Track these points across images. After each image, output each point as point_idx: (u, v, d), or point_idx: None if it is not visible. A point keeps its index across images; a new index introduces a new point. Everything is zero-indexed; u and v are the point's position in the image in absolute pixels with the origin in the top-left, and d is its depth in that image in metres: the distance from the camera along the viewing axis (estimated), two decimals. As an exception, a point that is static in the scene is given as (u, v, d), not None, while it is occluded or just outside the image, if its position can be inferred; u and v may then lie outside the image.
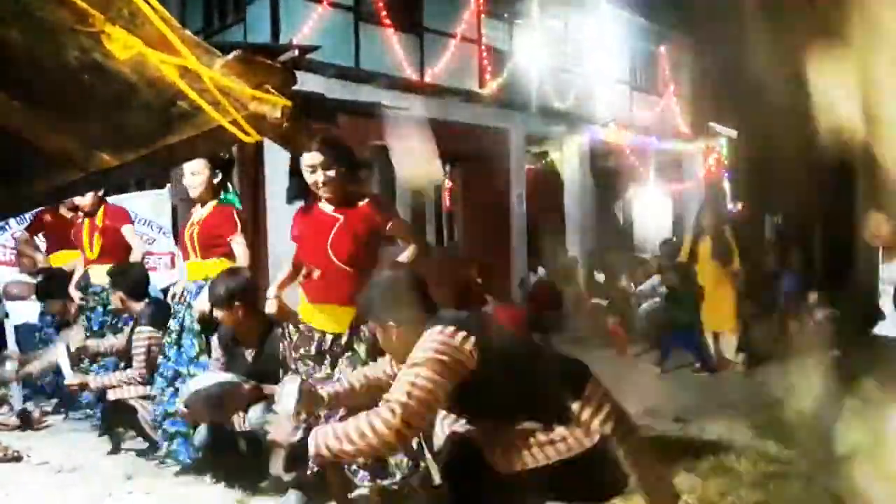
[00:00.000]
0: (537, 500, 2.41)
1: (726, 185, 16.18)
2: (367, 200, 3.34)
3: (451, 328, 2.25)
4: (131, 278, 4.72)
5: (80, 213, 5.38)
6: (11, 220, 6.48)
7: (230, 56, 1.46)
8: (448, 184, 11.49)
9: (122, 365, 4.65)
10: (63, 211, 6.03)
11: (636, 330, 8.56)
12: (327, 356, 3.26)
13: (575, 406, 2.30)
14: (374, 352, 3.06)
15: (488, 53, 11.60)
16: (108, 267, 4.99)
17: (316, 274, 3.25)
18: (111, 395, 4.41)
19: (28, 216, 6.40)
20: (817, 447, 3.93)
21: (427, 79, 10.67)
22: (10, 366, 5.24)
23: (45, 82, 1.64)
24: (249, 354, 3.72)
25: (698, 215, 7.39)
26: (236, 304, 3.60)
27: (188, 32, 1.45)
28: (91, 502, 3.60)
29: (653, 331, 7.87)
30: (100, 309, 5.15)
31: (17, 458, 4.39)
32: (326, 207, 3.33)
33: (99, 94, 1.60)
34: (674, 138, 15.51)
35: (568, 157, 13.55)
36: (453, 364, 2.19)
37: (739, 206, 6.44)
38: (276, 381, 3.24)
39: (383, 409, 2.14)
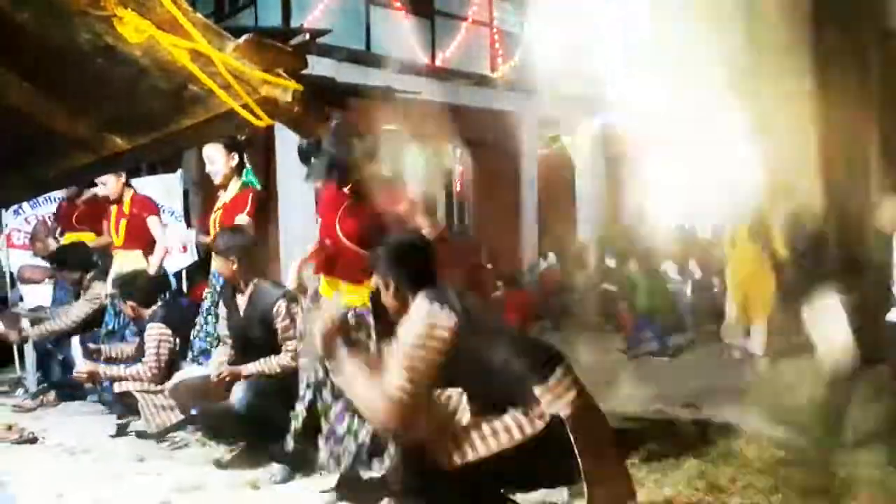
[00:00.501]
0: (491, 489, 2.46)
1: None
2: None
3: (444, 309, 2.38)
4: (139, 287, 4.76)
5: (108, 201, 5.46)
6: (24, 205, 6.52)
7: (241, 40, 1.45)
8: (459, 168, 11.45)
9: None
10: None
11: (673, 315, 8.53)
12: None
13: (538, 390, 2.34)
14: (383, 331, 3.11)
15: (500, 36, 11.52)
16: (133, 254, 5.07)
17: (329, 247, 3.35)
18: (116, 388, 4.48)
19: (41, 200, 6.46)
20: (829, 434, 3.93)
21: (438, 62, 10.62)
22: (25, 323, 5.30)
23: (57, 66, 1.64)
24: (242, 306, 3.91)
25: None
26: (232, 257, 3.81)
27: (199, 16, 1.45)
28: (103, 483, 3.64)
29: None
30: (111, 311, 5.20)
31: (33, 440, 4.44)
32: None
33: (111, 77, 1.60)
34: (689, 124, 15.38)
35: (580, 142, 13.46)
36: (440, 344, 2.33)
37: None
38: (264, 338, 3.72)
39: (387, 389, 2.27)
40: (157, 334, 4.44)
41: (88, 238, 5.77)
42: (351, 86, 3.71)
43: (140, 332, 4.75)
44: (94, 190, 5.80)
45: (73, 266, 5.50)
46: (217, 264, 3.95)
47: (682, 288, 8.88)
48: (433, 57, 10.61)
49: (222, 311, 4.03)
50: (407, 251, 2.61)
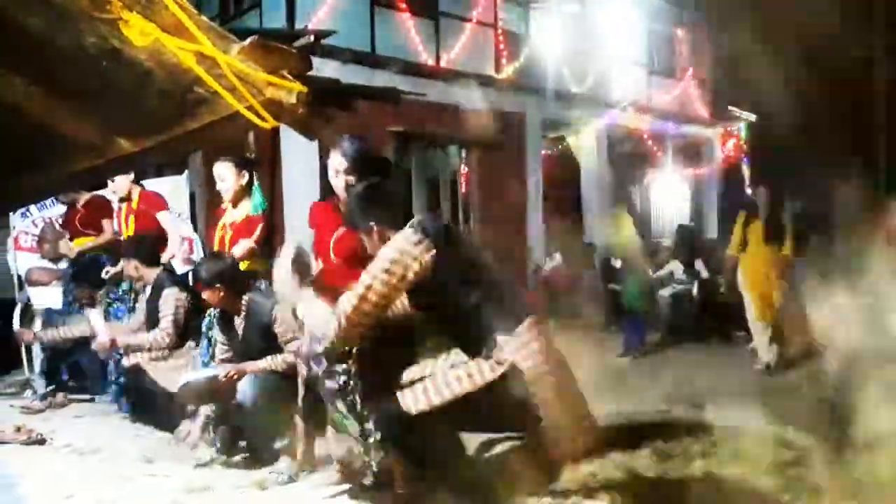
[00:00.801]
0: (448, 433, 2.57)
1: (745, 170, 16.00)
2: None
3: (418, 235, 2.46)
4: (145, 245, 4.90)
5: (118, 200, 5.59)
6: (32, 207, 6.55)
7: (246, 42, 1.46)
8: (464, 169, 11.46)
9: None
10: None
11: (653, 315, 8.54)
12: None
13: (502, 338, 2.42)
14: None
15: (505, 37, 11.51)
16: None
17: (319, 266, 3.37)
18: (126, 361, 4.56)
19: (48, 203, 6.50)
20: (839, 434, 3.91)
21: (443, 63, 10.62)
22: (38, 325, 5.36)
23: (63, 69, 1.65)
24: (240, 327, 3.95)
25: (751, 195, 7.04)
26: (218, 285, 3.84)
27: (204, 18, 1.45)
28: (111, 484, 3.65)
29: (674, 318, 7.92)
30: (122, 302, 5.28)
31: (41, 441, 4.47)
32: (341, 205, 3.39)
33: (117, 80, 1.61)
34: (692, 122, 15.35)
35: (585, 142, 13.46)
36: (404, 270, 2.43)
37: (761, 190, 6.21)
38: (266, 345, 3.79)
39: (342, 301, 2.47)
40: (174, 298, 4.55)
41: (91, 240, 5.84)
42: (356, 87, 3.73)
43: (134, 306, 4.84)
44: (93, 192, 5.88)
45: (85, 284, 5.60)
46: (205, 295, 3.93)
47: (688, 288, 8.86)
48: (438, 58, 10.62)
49: (220, 336, 4.05)
50: (377, 193, 2.68)
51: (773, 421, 4.42)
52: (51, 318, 6.01)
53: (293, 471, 3.58)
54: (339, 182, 3.45)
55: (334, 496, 3.35)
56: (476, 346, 2.47)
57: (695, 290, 8.83)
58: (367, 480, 3.15)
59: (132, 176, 5.49)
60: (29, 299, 6.41)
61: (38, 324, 5.89)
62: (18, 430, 4.55)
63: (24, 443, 4.41)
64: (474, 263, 2.64)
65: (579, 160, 13.59)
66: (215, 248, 4.42)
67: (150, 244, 4.90)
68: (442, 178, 11.35)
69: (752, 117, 15.97)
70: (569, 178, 13.44)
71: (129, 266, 4.94)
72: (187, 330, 4.49)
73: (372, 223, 2.65)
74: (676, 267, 9.10)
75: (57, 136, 1.86)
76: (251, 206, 4.39)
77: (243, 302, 3.89)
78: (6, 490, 3.60)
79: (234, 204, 4.40)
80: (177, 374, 4.31)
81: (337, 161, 3.45)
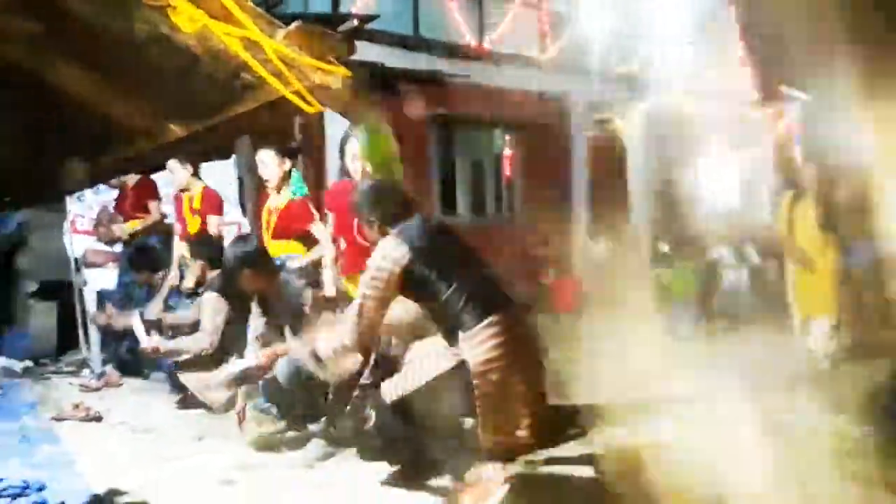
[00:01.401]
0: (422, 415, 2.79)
1: (797, 151, 15.55)
2: None
3: (398, 242, 2.78)
4: (212, 248, 5.06)
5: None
6: (87, 191, 6.73)
7: (292, 27, 1.47)
8: (508, 152, 11.38)
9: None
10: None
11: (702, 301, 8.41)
12: None
13: (460, 334, 2.65)
14: None
15: (549, 18, 11.36)
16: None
17: (342, 245, 3.44)
18: (174, 360, 4.70)
19: (102, 187, 6.68)
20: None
21: (487, 45, 10.54)
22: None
23: (116, 56, 1.69)
24: (274, 307, 4.08)
25: (796, 173, 6.10)
26: (245, 269, 3.96)
27: (250, 4, 1.47)
28: (161, 461, 3.75)
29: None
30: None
31: (98, 419, 4.62)
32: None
33: (166, 66, 1.65)
34: (742, 103, 14.96)
35: (631, 123, 13.24)
36: (389, 275, 2.75)
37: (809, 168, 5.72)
38: (294, 327, 3.85)
39: (350, 309, 2.90)
40: (213, 304, 4.62)
41: (142, 222, 6.03)
42: (399, 70, 3.75)
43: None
44: (140, 175, 6.04)
45: (141, 267, 5.80)
46: (242, 283, 4.05)
47: (738, 274, 8.69)
48: (481, 40, 10.53)
49: (256, 314, 4.19)
50: (381, 193, 2.98)
51: (829, 410, 4.33)
52: (105, 299, 6.22)
53: (325, 448, 3.68)
54: (356, 166, 3.72)
55: (380, 474, 3.41)
56: (451, 337, 2.74)
57: (745, 276, 8.66)
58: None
59: (190, 169, 5.64)
60: (85, 281, 6.61)
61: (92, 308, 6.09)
62: (76, 407, 4.72)
63: (82, 420, 4.57)
64: (452, 261, 2.85)
65: (625, 142, 13.38)
66: (262, 227, 4.67)
67: (215, 247, 5.08)
68: (485, 161, 11.30)
69: (805, 95, 15.48)
70: (614, 159, 13.24)
71: (197, 266, 5.16)
72: (228, 332, 4.61)
73: (374, 218, 2.96)
74: (725, 252, 8.93)
75: (111, 123, 1.91)
76: (291, 193, 4.67)
77: (278, 282, 3.98)
78: (65, 465, 3.73)
79: (277, 190, 4.67)
80: (215, 394, 4.60)
81: (356, 146, 3.69)
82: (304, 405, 3.83)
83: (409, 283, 2.78)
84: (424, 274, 2.75)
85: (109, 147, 2.02)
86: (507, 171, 11.40)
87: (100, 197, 6.85)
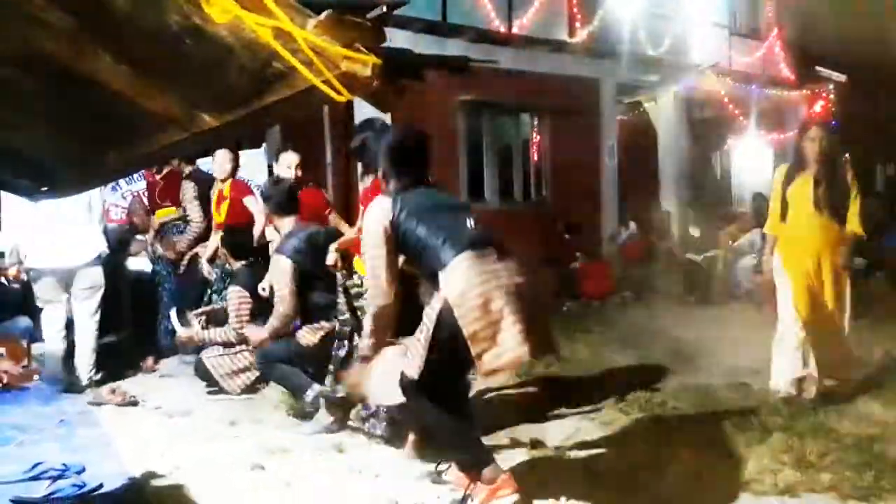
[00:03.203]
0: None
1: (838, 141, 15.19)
2: None
3: (387, 200, 2.93)
4: (235, 237, 5.16)
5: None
6: (121, 181, 6.83)
7: (322, 16, 1.47)
8: (536, 137, 11.31)
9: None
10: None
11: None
12: None
13: (451, 262, 2.74)
14: None
15: (579, 0, 11.22)
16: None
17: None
18: (205, 355, 4.92)
19: (136, 177, 6.78)
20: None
21: (515, 30, 10.46)
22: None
23: (149, 47, 1.71)
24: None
25: (799, 145, 4.52)
26: (267, 205, 4.58)
27: (281, -7, 1.47)
28: (195, 445, 3.84)
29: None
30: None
31: (134, 403, 4.72)
32: None
33: (199, 57, 1.66)
34: (776, 85, 14.65)
35: (662, 107, 13.06)
36: (378, 226, 2.91)
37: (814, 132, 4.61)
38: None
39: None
40: (236, 296, 4.79)
41: (171, 212, 6.09)
42: (427, 57, 3.73)
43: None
44: (169, 166, 6.12)
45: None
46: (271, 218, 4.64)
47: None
48: (510, 24, 10.45)
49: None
50: (397, 149, 3.10)
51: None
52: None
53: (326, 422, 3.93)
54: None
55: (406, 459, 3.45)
56: (434, 281, 2.82)
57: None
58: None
59: (232, 159, 5.81)
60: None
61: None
62: (113, 392, 4.83)
63: (118, 404, 4.68)
64: (435, 214, 2.94)
65: (656, 126, 13.21)
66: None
67: (238, 239, 5.16)
68: (514, 146, 11.24)
69: (842, 77, 15.13)
70: (645, 144, 13.09)
71: (220, 252, 5.35)
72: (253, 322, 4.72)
73: (388, 171, 3.09)
74: (756, 237, 8.79)
75: (144, 113, 1.93)
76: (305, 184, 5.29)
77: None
78: (103, 448, 3.83)
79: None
80: (240, 378, 4.86)
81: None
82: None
83: (398, 238, 2.89)
84: (410, 227, 2.86)
85: (142, 137, 2.05)
86: (534, 156, 11.33)
87: (133, 186, 6.96)
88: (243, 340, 4.71)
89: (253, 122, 1.97)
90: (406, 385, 2.83)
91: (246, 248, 5.12)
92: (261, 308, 4.68)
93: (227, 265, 5.29)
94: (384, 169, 3.10)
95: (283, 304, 4.22)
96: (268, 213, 4.86)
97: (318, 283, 4.28)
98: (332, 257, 3.89)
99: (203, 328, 5.00)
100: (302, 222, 4.48)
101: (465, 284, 2.70)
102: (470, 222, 2.92)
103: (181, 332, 5.04)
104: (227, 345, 4.85)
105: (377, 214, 2.94)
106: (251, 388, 4.87)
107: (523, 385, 4.86)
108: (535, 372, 4.96)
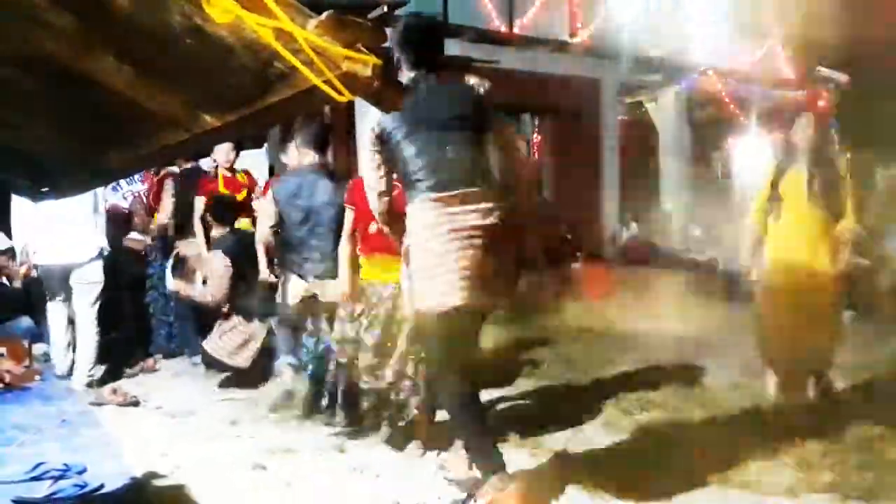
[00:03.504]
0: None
1: (833, 134, 15.19)
2: None
3: (373, 133, 2.95)
4: (219, 201, 5.43)
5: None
6: (122, 181, 6.84)
7: (323, 16, 1.47)
8: (537, 137, 11.31)
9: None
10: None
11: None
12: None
13: (415, 200, 2.84)
14: None
15: (580, 0, 11.22)
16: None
17: (372, 228, 3.48)
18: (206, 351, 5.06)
19: (136, 177, 6.80)
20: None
21: (516, 30, 10.45)
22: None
23: (150, 47, 1.71)
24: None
25: (788, 136, 4.53)
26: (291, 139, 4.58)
27: (282, -7, 1.47)
28: (196, 445, 3.84)
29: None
30: None
31: (135, 403, 4.72)
32: None
33: (200, 57, 1.66)
34: (777, 85, 14.65)
35: (663, 107, 13.05)
36: (372, 135, 2.95)
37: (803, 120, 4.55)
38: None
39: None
40: (220, 260, 4.99)
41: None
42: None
43: None
44: (166, 168, 6.17)
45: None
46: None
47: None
48: (511, 24, 10.45)
49: None
50: (412, 33, 2.99)
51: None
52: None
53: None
54: None
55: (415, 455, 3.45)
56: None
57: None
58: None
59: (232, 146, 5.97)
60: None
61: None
62: (114, 392, 4.82)
63: (120, 404, 4.68)
64: (425, 124, 2.92)
65: (657, 126, 13.20)
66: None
67: (221, 201, 5.47)
68: (515, 146, 11.22)
69: (844, 77, 15.12)
70: (646, 144, 13.09)
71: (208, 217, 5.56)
72: (234, 289, 4.96)
73: (401, 56, 2.99)
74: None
75: (144, 113, 1.93)
76: None
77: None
78: (104, 448, 3.83)
79: None
80: (240, 355, 4.95)
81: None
82: None
83: (387, 152, 2.94)
84: (396, 144, 2.88)
85: (143, 137, 2.05)
86: (535, 156, 11.32)
87: (133, 187, 6.98)
88: (219, 304, 4.93)
89: (254, 123, 1.97)
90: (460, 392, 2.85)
91: (229, 214, 5.37)
92: (240, 275, 4.90)
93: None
94: (397, 56, 3.00)
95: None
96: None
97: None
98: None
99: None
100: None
101: (420, 230, 2.80)
102: (453, 151, 2.84)
103: (171, 285, 5.38)
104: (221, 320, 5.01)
105: (371, 124, 2.96)
106: (258, 367, 4.93)
107: (523, 386, 4.86)
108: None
